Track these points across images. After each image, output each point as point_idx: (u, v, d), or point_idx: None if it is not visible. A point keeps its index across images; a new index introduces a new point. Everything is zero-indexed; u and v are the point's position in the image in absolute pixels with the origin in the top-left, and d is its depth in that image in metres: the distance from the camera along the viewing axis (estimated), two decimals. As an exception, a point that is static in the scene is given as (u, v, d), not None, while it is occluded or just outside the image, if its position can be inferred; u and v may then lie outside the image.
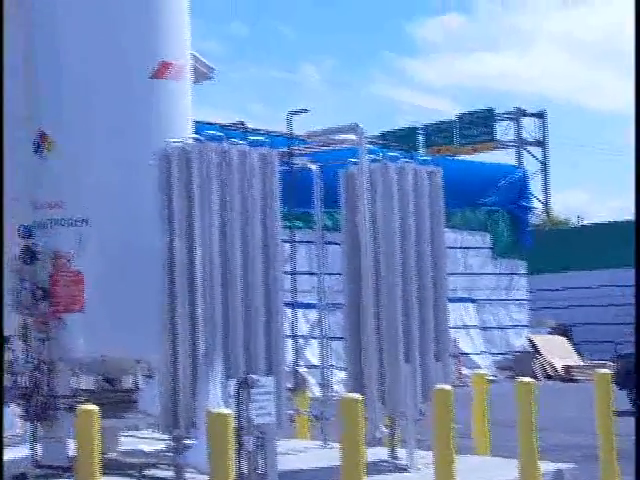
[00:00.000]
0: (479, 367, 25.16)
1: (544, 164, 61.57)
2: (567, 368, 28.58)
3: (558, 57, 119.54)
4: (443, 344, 9.64)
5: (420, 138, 60.56)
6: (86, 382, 9.21)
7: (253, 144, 8.25)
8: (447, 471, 7.88)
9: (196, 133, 8.79)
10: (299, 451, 10.09)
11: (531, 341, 30.17)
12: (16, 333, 8.80)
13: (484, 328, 29.14)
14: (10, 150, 8.91)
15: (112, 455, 8.76)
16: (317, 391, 11.51)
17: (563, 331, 33.32)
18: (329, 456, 8.88)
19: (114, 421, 8.63)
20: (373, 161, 9.56)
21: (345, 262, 9.69)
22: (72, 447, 7.70)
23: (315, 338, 11.21)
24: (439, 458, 7.97)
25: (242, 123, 9.60)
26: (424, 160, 10.28)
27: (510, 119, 61.27)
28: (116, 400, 8.95)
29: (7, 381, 8.65)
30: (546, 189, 61.54)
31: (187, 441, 7.76)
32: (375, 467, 8.78)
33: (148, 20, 9.04)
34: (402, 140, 53.67)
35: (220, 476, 6.51)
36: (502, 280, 30.10)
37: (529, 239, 31.09)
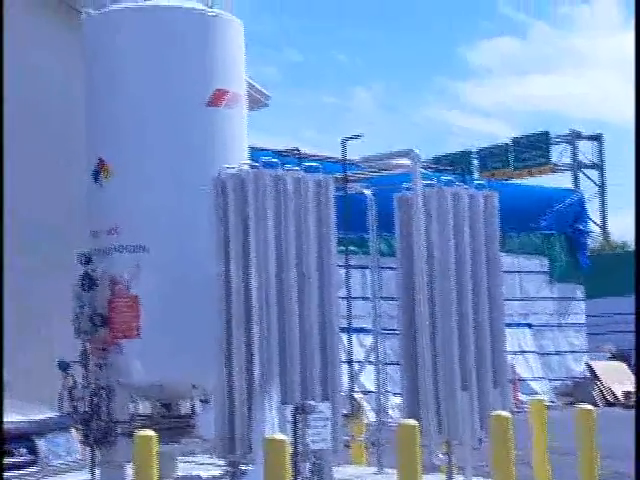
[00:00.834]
0: (536, 393, 24.81)
1: (601, 187, 60.85)
2: (627, 394, 28.06)
3: (613, 79, 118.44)
4: (500, 370, 9.53)
5: (474, 162, 60.26)
6: (143, 407, 9.27)
7: (308, 170, 8.29)
8: (506, 499, 7.77)
9: (251, 159, 8.86)
10: (355, 477, 10.03)
11: (590, 367, 29.69)
12: (76, 359, 8.92)
13: (542, 353, 28.76)
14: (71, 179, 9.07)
15: (169, 481, 8.80)
16: (372, 417, 11.44)
17: (622, 356, 32.74)
18: (385, 483, 8.82)
19: (171, 446, 8.67)
20: (427, 186, 9.53)
21: (400, 287, 9.65)
22: (130, 472, 7.74)
23: (370, 363, 11.16)
24: (497, 486, 7.86)
25: (297, 149, 9.65)
26: (480, 184, 10.23)
27: (566, 142, 60.71)
28: (173, 425, 8.99)
29: (68, 406, 8.75)
30: (603, 212, 60.79)
31: (243, 467, 7.76)
32: (432, 494, 8.70)
33: (204, 48, 9.16)
34: (456, 164, 53.45)
35: (277, 502, 6.49)
36: (560, 305, 29.72)
37: (587, 263, 30.68)
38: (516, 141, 59.98)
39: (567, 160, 60.76)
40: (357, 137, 10.80)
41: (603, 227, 60.25)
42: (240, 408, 7.76)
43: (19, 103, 10.87)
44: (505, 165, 58.77)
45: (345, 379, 9.89)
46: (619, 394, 28.61)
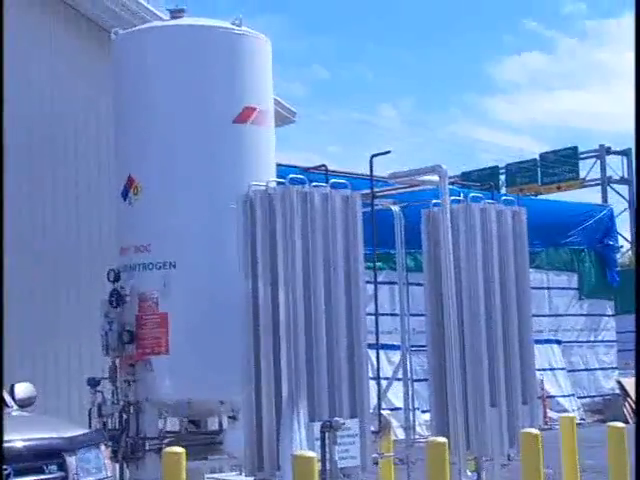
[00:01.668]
0: (566, 410, 24.57)
1: (630, 202, 60.39)
2: (658, 411, 27.75)
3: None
4: (530, 386, 9.48)
5: (502, 177, 60.03)
6: (172, 424, 9.29)
7: (335, 186, 8.30)
8: (536, 517, 7.71)
9: (279, 176, 8.89)
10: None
11: (620, 384, 29.40)
12: (105, 375, 8.96)
13: (571, 370, 28.52)
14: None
15: (198, 497, 8.79)
16: (400, 434, 11.39)
17: (653, 373, 32.39)
18: (414, 500, 8.78)
19: (199, 463, 8.68)
20: (455, 201, 9.52)
21: (428, 303, 9.63)
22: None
23: (398, 380, 11.12)
24: (527, 503, 7.80)
25: (324, 166, 9.67)
26: (508, 200, 10.20)
27: (595, 157, 60.38)
28: (201, 442, 9.00)
29: (97, 423, 8.78)
30: (633, 227, 60.28)
31: (272, 484, 7.76)
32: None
33: (232, 66, 9.22)
34: (484, 179, 53.25)
35: (305, 519, 6.48)
36: (589, 321, 29.47)
37: (616, 278, 30.42)
38: (544, 156, 59.65)
39: (596, 175, 60.35)
40: (386, 153, 10.80)
41: (635, 242, 59.70)
42: (268, 425, 7.76)
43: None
44: (533, 180, 58.44)
45: (373, 396, 9.86)
46: (650, 411, 28.28)
